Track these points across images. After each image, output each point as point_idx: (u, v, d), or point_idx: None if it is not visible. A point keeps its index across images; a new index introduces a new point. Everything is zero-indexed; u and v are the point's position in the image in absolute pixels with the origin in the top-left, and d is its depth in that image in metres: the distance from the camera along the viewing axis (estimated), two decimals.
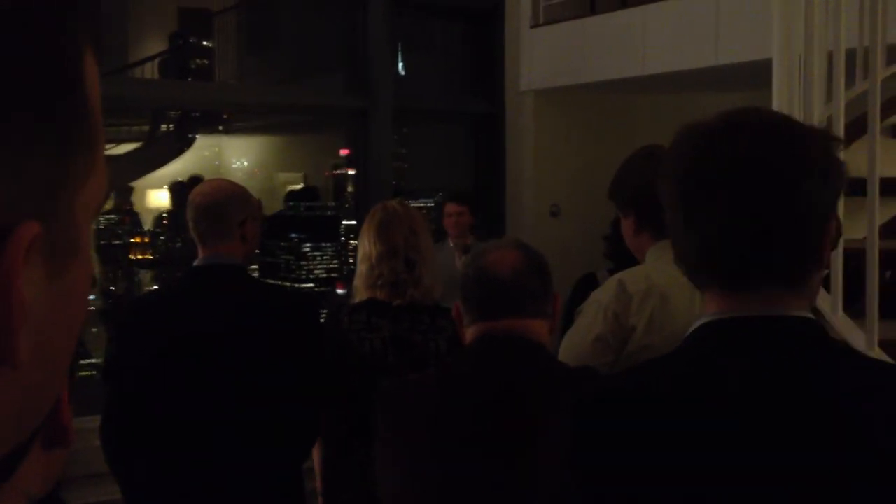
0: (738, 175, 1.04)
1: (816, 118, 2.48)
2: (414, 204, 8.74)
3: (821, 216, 1.06)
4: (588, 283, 4.92)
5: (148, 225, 9.58)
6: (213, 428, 2.27)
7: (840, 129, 2.22)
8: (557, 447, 1.12)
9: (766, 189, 1.04)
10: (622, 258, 2.47)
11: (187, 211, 2.40)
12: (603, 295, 2.47)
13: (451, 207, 5.18)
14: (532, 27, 5.93)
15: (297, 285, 9.05)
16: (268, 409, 2.29)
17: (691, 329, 1.11)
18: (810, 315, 1.08)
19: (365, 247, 2.71)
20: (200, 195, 2.40)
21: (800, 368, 1.04)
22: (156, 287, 8.72)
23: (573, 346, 2.51)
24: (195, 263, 2.42)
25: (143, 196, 9.65)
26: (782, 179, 1.04)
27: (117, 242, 9.37)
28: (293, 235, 9.46)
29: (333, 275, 9.49)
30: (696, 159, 1.08)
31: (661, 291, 2.24)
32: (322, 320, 2.58)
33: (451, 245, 5.13)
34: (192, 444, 2.27)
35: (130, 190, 9.37)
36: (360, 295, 2.71)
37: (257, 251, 2.70)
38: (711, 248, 1.07)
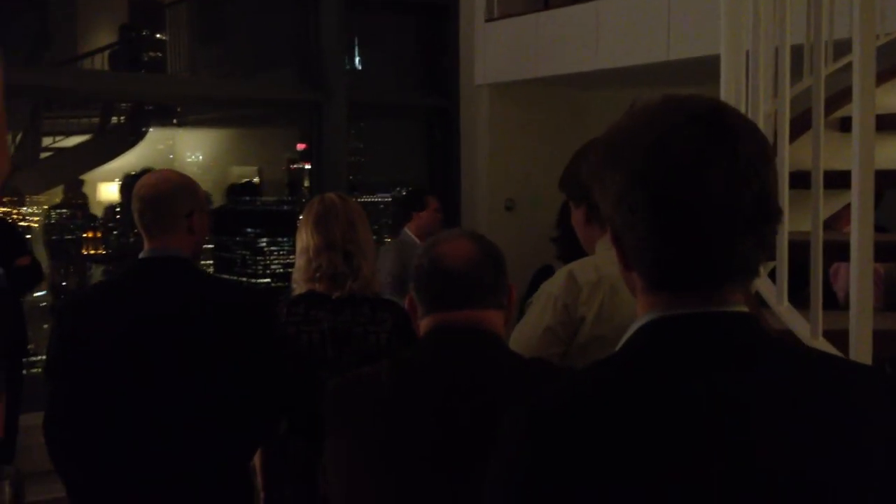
0: (709, 169, 0.98)
1: (763, 113, 2.51)
2: (371, 198, 8.71)
3: (779, 211, 1.03)
4: (545, 275, 4.95)
5: (100, 218, 9.41)
6: (158, 422, 2.23)
7: (785, 124, 2.25)
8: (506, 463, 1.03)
9: (738, 183, 0.99)
10: (573, 258, 2.48)
11: (132, 202, 2.35)
12: (553, 286, 2.48)
13: (436, 202, 5.31)
14: (486, 21, 5.94)
15: (253, 280, 8.96)
16: (213, 402, 2.25)
17: (637, 325, 1.05)
18: (746, 308, 1.05)
19: (303, 239, 2.70)
20: (146, 186, 2.35)
21: (769, 376, 1.01)
22: (99, 280, 8.55)
23: (523, 337, 2.51)
24: (140, 256, 2.37)
25: (95, 189, 9.48)
26: (753, 173, 1.00)
27: (69, 237, 9.18)
28: (249, 230, 9.35)
29: (290, 270, 9.35)
30: (659, 151, 1.00)
31: (611, 282, 2.25)
32: (270, 314, 2.55)
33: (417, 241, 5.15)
34: (137, 440, 2.23)
35: (81, 183, 9.20)
36: (300, 288, 2.70)
37: (206, 245, 2.66)
38: (678, 246, 1.00)
